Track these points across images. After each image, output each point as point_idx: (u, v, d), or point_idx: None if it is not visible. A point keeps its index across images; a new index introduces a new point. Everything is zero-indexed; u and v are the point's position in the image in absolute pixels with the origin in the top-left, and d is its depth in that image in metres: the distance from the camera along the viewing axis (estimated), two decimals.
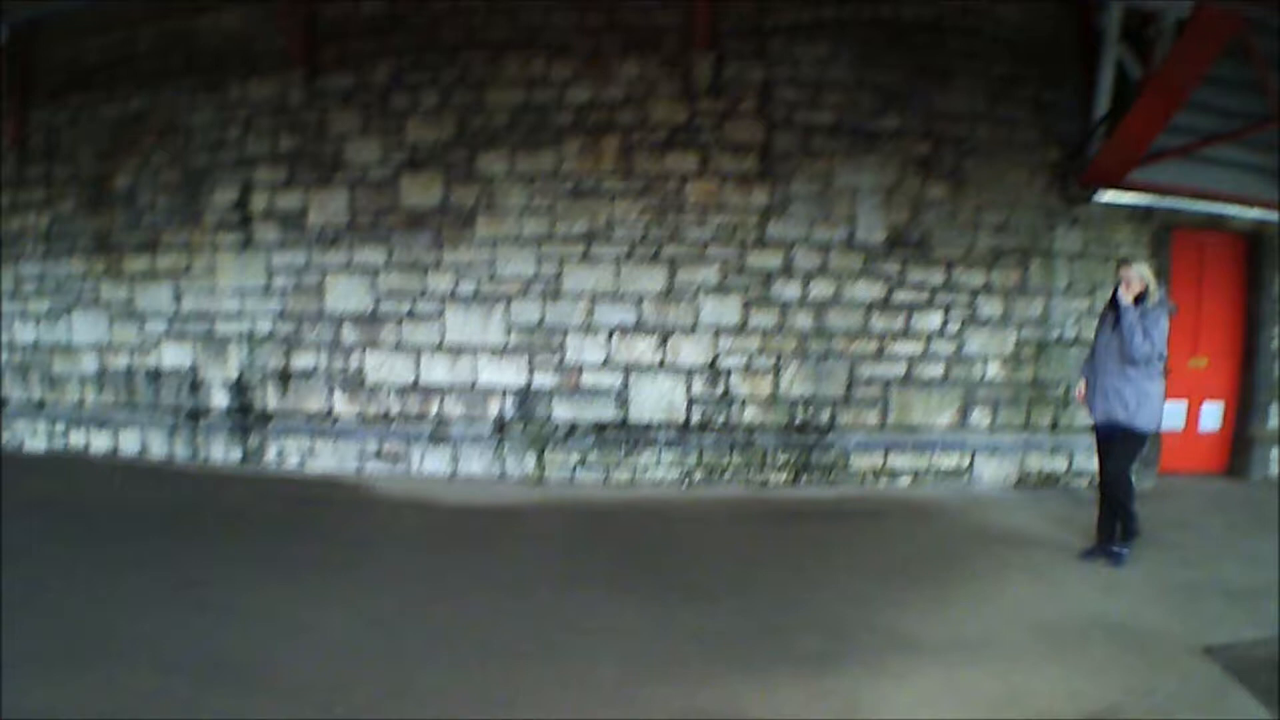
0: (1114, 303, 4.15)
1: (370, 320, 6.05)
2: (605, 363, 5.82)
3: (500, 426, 5.90)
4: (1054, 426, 6.02)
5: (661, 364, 5.81)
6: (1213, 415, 6.37)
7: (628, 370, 5.82)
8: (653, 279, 5.79)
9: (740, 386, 5.81)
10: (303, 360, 6.19)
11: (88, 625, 3.14)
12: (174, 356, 6.53)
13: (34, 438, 7.02)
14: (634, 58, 5.82)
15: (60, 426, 6.92)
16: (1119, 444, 4.16)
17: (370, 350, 6.05)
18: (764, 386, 5.82)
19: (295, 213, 6.17)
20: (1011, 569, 4.04)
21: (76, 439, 6.86)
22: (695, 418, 5.81)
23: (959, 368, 5.93)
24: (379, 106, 6.04)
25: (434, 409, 5.98)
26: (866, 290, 5.84)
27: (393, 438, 6.02)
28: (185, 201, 6.47)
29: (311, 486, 5.70)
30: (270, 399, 6.25)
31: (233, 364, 6.35)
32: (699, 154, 5.79)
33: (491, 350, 5.90)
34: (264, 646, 3.00)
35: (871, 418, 5.87)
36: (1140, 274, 4.08)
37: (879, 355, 5.86)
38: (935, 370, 5.92)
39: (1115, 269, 4.75)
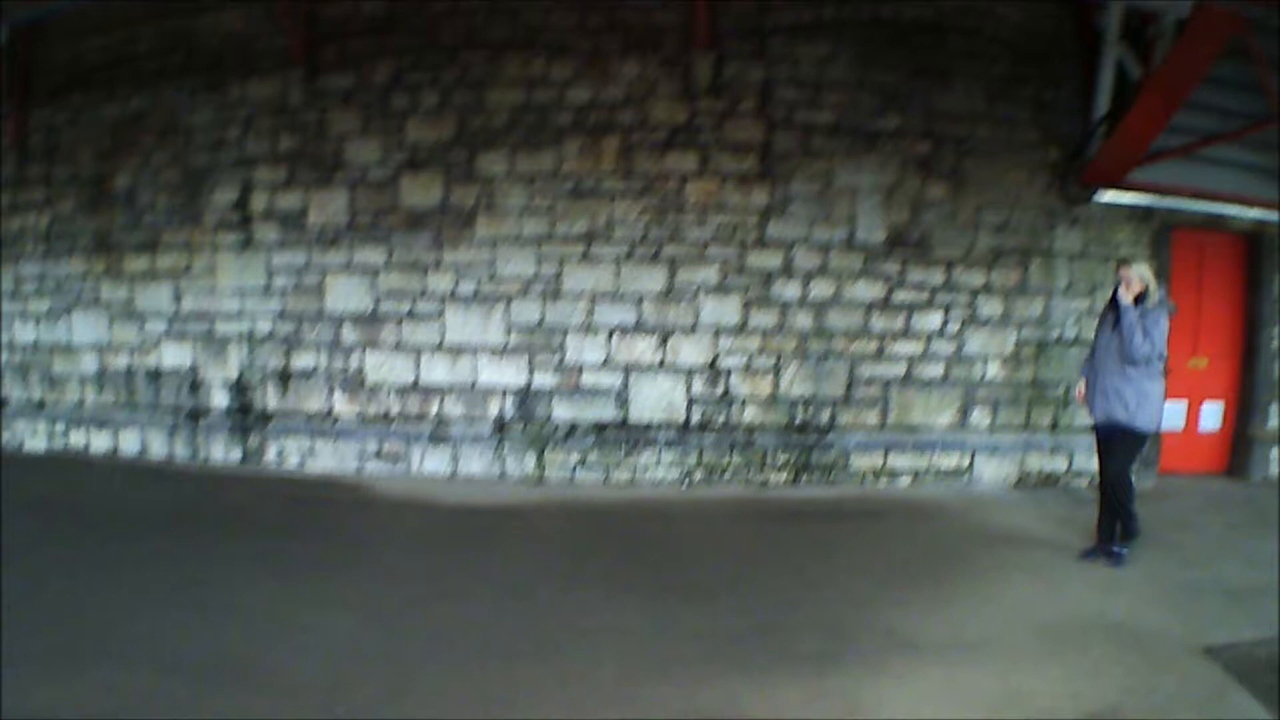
0: (1114, 303, 4.15)
1: (370, 320, 6.05)
2: (605, 363, 5.82)
3: (500, 426, 5.90)
4: (1054, 426, 6.02)
5: (661, 364, 5.81)
6: (1213, 415, 6.37)
7: (628, 370, 5.82)
8: (653, 279, 5.79)
9: (740, 386, 5.81)
10: (303, 360, 6.19)
11: (88, 625, 3.14)
12: (174, 356, 6.53)
13: (34, 438, 7.02)
14: (634, 58, 5.82)
15: (60, 426, 6.92)
16: (1119, 444, 4.15)
17: (370, 350, 6.06)
18: (764, 386, 5.82)
19: (295, 213, 6.17)
20: (1011, 569, 4.04)
21: (76, 439, 6.86)
22: (695, 418, 5.81)
23: (959, 368, 5.93)
24: (379, 106, 6.04)
25: (434, 409, 5.98)
26: (866, 290, 5.84)
27: (393, 438, 6.02)
28: (185, 201, 6.47)
29: (311, 486, 5.70)
30: (270, 399, 6.25)
31: (233, 364, 6.35)
32: (699, 154, 5.79)
33: (491, 350, 5.90)
34: (264, 646, 3.00)
35: (871, 418, 5.87)
36: (1140, 274, 4.09)
37: (879, 355, 5.86)
38: (935, 370, 5.92)
39: (1115, 269, 4.71)
